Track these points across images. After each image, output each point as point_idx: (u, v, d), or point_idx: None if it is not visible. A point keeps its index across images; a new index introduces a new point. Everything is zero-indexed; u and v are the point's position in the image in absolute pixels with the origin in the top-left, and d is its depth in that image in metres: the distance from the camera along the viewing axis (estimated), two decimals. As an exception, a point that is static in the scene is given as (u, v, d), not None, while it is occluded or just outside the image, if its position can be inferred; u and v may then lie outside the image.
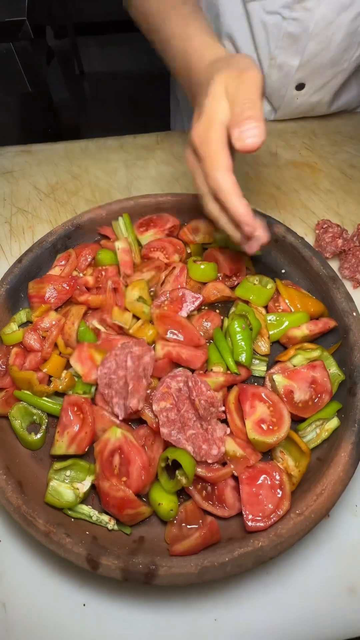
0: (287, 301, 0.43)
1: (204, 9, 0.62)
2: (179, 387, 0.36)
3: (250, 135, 0.32)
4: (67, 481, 0.33)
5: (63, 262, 0.47)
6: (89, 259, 0.47)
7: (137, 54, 2.47)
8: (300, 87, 0.62)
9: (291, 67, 0.59)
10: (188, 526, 0.32)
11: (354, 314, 0.40)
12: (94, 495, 0.34)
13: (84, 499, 0.33)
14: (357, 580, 0.33)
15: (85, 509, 0.33)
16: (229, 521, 0.32)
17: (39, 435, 0.36)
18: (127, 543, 0.31)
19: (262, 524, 0.30)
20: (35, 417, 0.37)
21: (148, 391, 0.36)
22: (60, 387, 0.37)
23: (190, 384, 0.35)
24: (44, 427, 0.37)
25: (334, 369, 0.38)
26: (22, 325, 0.43)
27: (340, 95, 0.66)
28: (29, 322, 0.43)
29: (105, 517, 0.32)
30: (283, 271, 0.48)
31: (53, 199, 0.60)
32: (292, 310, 0.42)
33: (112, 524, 0.32)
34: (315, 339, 0.42)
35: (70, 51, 2.37)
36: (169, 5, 0.47)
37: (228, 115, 0.34)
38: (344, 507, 0.36)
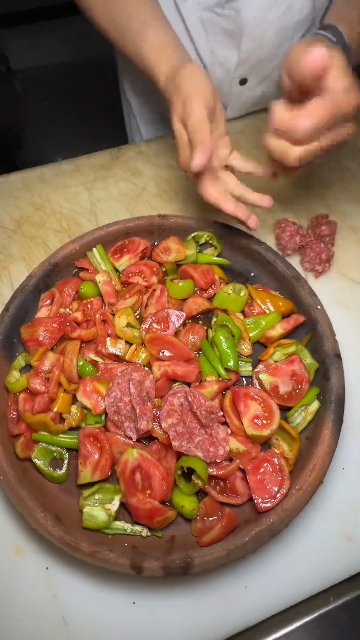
0: (260, 304, 0.48)
1: None
2: (181, 402, 0.40)
3: (196, 159, 0.41)
4: (97, 504, 0.38)
5: (48, 302, 0.49)
6: (72, 294, 0.49)
7: (72, 42, 2.32)
8: (243, 82, 0.64)
9: (231, 63, 0.61)
10: (210, 519, 0.37)
11: (319, 307, 0.46)
12: (124, 510, 0.39)
13: (116, 516, 0.38)
14: (353, 529, 0.40)
15: (119, 525, 0.37)
16: (242, 507, 0.38)
17: (63, 470, 0.40)
18: (161, 544, 0.36)
19: (270, 504, 0.36)
20: (55, 454, 0.40)
21: (154, 411, 0.40)
22: (74, 422, 0.40)
23: (189, 398, 0.39)
24: (65, 461, 0.40)
25: (309, 359, 0.44)
26: (22, 369, 0.45)
27: None
28: (27, 365, 0.46)
29: (138, 527, 0.37)
30: (252, 274, 0.53)
31: (21, 234, 0.60)
32: (266, 312, 0.47)
33: (145, 532, 0.37)
34: (289, 334, 0.47)
35: (-6, 45, 2.19)
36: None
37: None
38: (333, 472, 0.43)
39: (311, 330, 0.46)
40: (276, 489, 0.36)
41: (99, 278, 0.48)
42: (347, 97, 0.36)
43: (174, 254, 0.51)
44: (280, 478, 0.37)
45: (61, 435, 0.40)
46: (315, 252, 0.54)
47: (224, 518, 0.36)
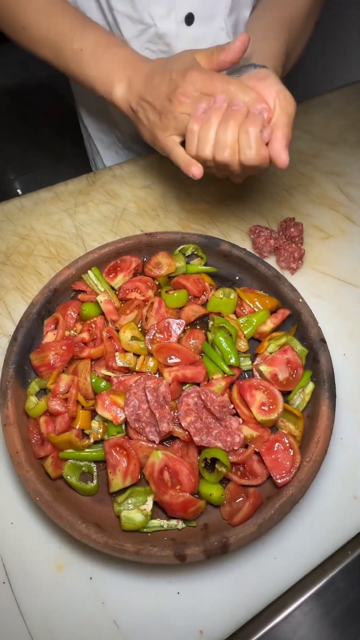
0: (249, 304, 0.53)
1: None
2: (195, 401, 0.44)
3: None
4: (132, 508, 0.40)
5: (52, 327, 0.51)
6: (74, 316, 0.52)
7: (10, 66, 2.33)
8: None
9: None
10: (237, 501, 0.41)
11: (300, 300, 0.52)
12: (157, 509, 0.42)
13: (152, 516, 0.40)
14: (357, 489, 0.46)
15: (156, 522, 0.40)
16: (263, 486, 0.42)
17: (94, 482, 0.42)
18: (197, 533, 0.40)
19: (287, 478, 0.40)
20: (84, 468, 0.43)
21: (172, 413, 0.44)
22: (99, 436, 0.43)
23: (202, 397, 0.43)
24: (95, 474, 0.42)
25: (299, 347, 0.50)
26: (36, 394, 0.47)
27: None
28: (42, 389, 0.47)
29: (173, 522, 0.40)
30: (237, 278, 0.58)
31: (10, 265, 0.62)
32: (256, 310, 0.53)
33: (180, 525, 0.40)
34: (279, 327, 0.53)
35: None
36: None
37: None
38: (333, 442, 0.48)
39: (296, 321, 0.52)
40: (289, 464, 0.41)
41: (100, 298, 0.51)
42: (285, 101, 0.43)
43: (165, 267, 0.55)
44: (292, 454, 0.42)
45: (86, 450, 0.43)
46: (288, 252, 0.61)
47: (250, 497, 0.40)
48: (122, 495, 0.41)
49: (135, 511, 0.40)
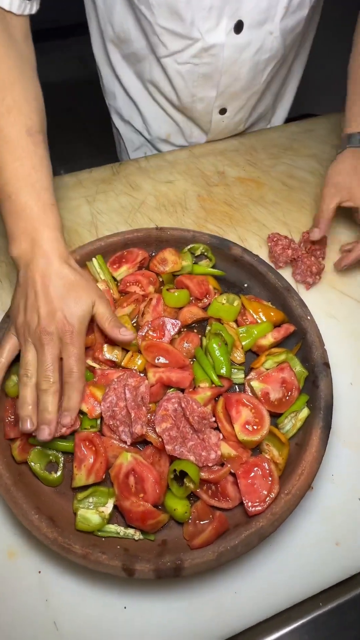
0: (253, 314, 0.50)
1: (127, 55, 0.67)
2: (175, 407, 0.41)
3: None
4: (91, 507, 0.38)
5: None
6: (71, 302, 0.51)
7: (69, 62, 2.44)
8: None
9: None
10: (201, 522, 0.38)
11: (308, 317, 0.48)
12: (117, 513, 0.39)
13: (110, 519, 0.38)
14: (342, 534, 0.41)
15: (113, 528, 0.38)
16: (233, 511, 0.39)
17: (58, 473, 0.40)
18: (153, 548, 0.37)
19: (260, 508, 0.37)
20: (51, 457, 0.41)
21: (148, 415, 0.42)
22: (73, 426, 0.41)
23: (183, 404, 0.41)
24: (61, 465, 0.41)
25: (298, 367, 0.46)
26: (20, 374, 0.47)
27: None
28: (26, 370, 0.47)
29: (131, 531, 0.38)
30: (245, 285, 0.55)
31: (23, 244, 0.62)
32: (258, 321, 0.49)
33: (137, 535, 0.38)
34: (280, 343, 0.49)
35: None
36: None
37: None
38: (323, 478, 0.44)
39: (301, 339, 0.48)
40: (265, 492, 0.37)
41: (99, 286, 0.50)
42: None
43: (171, 265, 0.53)
44: (270, 482, 0.38)
45: (57, 439, 0.41)
46: (305, 265, 0.57)
47: (214, 521, 0.36)
48: (84, 493, 0.39)
49: (93, 512, 0.38)
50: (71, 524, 0.37)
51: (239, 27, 0.56)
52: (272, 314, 0.49)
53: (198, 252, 0.56)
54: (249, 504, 0.37)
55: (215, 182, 0.71)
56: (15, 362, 0.47)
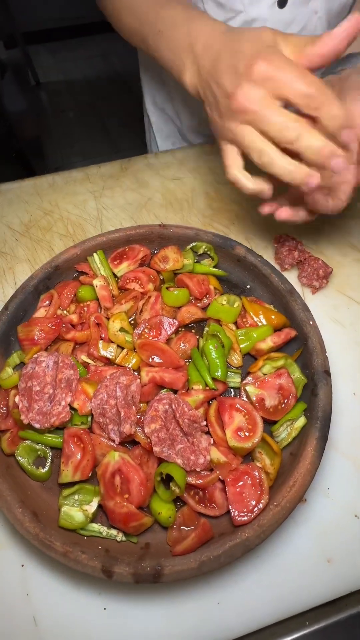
0: (253, 316, 0.48)
1: None
2: (165, 408, 0.40)
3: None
4: (76, 505, 0.38)
5: (47, 303, 0.50)
6: (70, 297, 0.51)
7: (92, 58, 2.46)
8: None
9: None
10: (186, 528, 0.37)
11: (311, 322, 0.46)
12: (102, 513, 0.39)
13: (93, 518, 0.38)
14: (334, 551, 0.39)
15: (96, 527, 0.37)
16: (220, 519, 0.38)
17: (45, 469, 0.40)
18: (135, 551, 0.36)
19: (246, 518, 0.35)
20: (39, 452, 0.41)
21: (138, 415, 0.41)
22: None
23: (173, 406, 0.40)
24: (49, 460, 0.41)
25: (297, 374, 0.44)
26: (16, 367, 0.47)
27: None
28: (22, 363, 0.47)
29: (113, 531, 0.37)
30: (248, 287, 0.53)
31: (28, 237, 0.63)
32: (259, 324, 0.47)
33: (120, 537, 0.37)
34: (281, 348, 0.47)
35: (23, 62, 2.32)
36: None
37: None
38: (318, 491, 0.42)
39: (302, 345, 0.46)
40: (254, 502, 0.36)
41: (97, 282, 0.49)
42: None
43: (172, 262, 0.52)
44: (259, 492, 0.37)
45: (47, 434, 0.41)
46: (312, 267, 0.54)
47: (198, 529, 0.35)
48: (70, 489, 0.39)
49: (77, 509, 0.37)
50: (54, 520, 0.37)
51: (283, 1, 0.53)
52: (273, 317, 0.47)
53: (201, 251, 0.54)
54: (236, 513, 0.36)
55: (224, 181, 0.69)
56: (11, 355, 0.47)
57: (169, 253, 0.53)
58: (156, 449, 0.38)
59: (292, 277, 0.56)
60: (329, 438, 0.39)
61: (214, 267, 0.53)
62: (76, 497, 0.39)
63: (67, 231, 0.63)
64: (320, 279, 0.54)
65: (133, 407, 0.40)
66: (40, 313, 0.49)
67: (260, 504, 0.36)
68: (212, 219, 0.64)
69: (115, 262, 0.53)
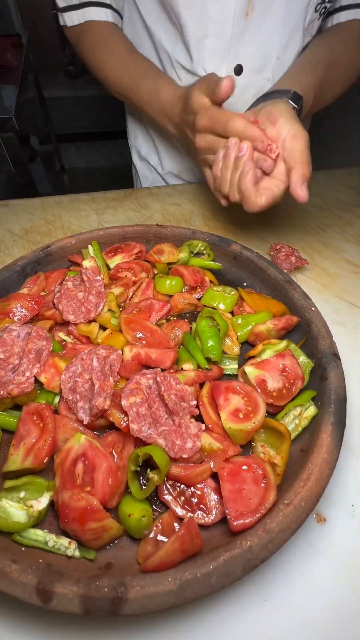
0: (251, 305, 0.45)
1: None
2: (149, 384, 0.34)
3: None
4: (19, 501, 0.28)
5: (31, 285, 0.47)
6: (57, 283, 0.48)
7: (107, 155, 2.96)
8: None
9: None
10: (165, 539, 0.27)
11: (313, 308, 0.42)
12: (52, 519, 0.29)
13: (39, 522, 0.28)
14: (371, 597, 0.28)
15: (40, 534, 0.27)
16: (212, 531, 0.28)
17: (-10, 452, 0.31)
18: (90, 570, 0.25)
19: (247, 521, 0.26)
20: (-13, 434, 0.33)
21: (115, 391, 0.34)
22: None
23: (158, 379, 0.33)
24: (-3, 443, 0.32)
25: (302, 357, 0.38)
26: (-17, 344, 0.41)
27: None
28: (-9, 340, 0.41)
29: (64, 541, 0.27)
30: (245, 284, 0.51)
31: (26, 240, 0.63)
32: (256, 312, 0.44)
33: (72, 549, 0.26)
34: (282, 337, 0.42)
35: (53, 152, 2.77)
36: (134, 73, 0.65)
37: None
38: (340, 507, 0.32)
39: (306, 332, 0.41)
40: (256, 500, 0.27)
41: (86, 264, 0.47)
42: (294, 140, 0.46)
43: (167, 255, 0.51)
44: (263, 487, 0.28)
45: (1, 412, 0.34)
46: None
47: (181, 530, 0.25)
48: (15, 481, 0.29)
49: (19, 506, 0.28)
50: (-15, 520, 0.27)
51: (239, 70, 0.65)
52: (272, 305, 0.44)
53: (197, 250, 0.54)
54: (233, 513, 0.26)
55: (222, 209, 0.73)
56: None
57: (164, 247, 0.52)
58: (134, 426, 0.30)
59: (289, 282, 0.55)
60: (346, 443, 0.32)
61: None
62: (22, 494, 0.29)
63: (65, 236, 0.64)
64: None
65: (110, 377, 0.34)
66: (24, 292, 0.46)
67: (267, 503, 0.27)
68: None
69: (110, 254, 0.52)
